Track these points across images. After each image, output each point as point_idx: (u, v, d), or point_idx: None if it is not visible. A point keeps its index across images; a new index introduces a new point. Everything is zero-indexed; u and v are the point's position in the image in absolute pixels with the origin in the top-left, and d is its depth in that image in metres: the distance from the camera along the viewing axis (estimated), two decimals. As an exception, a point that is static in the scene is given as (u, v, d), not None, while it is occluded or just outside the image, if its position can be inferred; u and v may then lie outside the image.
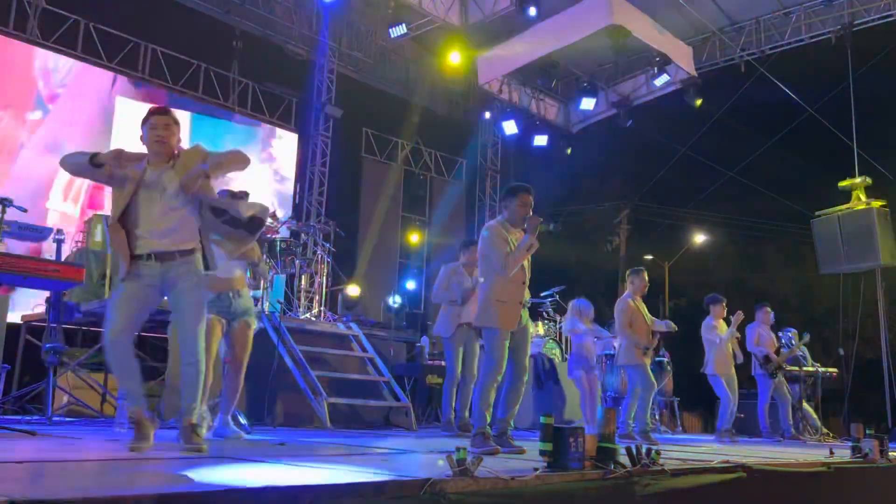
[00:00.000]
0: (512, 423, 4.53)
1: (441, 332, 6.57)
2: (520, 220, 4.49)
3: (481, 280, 4.61)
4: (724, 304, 8.00)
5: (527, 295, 4.61)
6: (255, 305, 6.83)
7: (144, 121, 3.77)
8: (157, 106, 3.94)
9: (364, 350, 7.56)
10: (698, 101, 12.14)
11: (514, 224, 4.52)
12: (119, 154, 3.60)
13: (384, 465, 3.10)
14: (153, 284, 3.61)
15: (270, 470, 2.81)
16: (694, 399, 13.94)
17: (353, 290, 9.79)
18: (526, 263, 4.53)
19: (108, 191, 4.98)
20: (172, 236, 3.62)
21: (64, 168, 3.75)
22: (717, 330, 7.80)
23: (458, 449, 2.50)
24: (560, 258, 17.83)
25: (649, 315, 6.95)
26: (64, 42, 9.95)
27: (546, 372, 8.93)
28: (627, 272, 7.07)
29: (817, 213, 10.56)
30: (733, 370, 7.81)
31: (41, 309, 6.64)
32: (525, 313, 4.57)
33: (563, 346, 9.83)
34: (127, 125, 9.90)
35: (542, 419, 3.00)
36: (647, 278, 6.98)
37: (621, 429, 6.51)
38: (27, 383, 6.41)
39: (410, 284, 13.46)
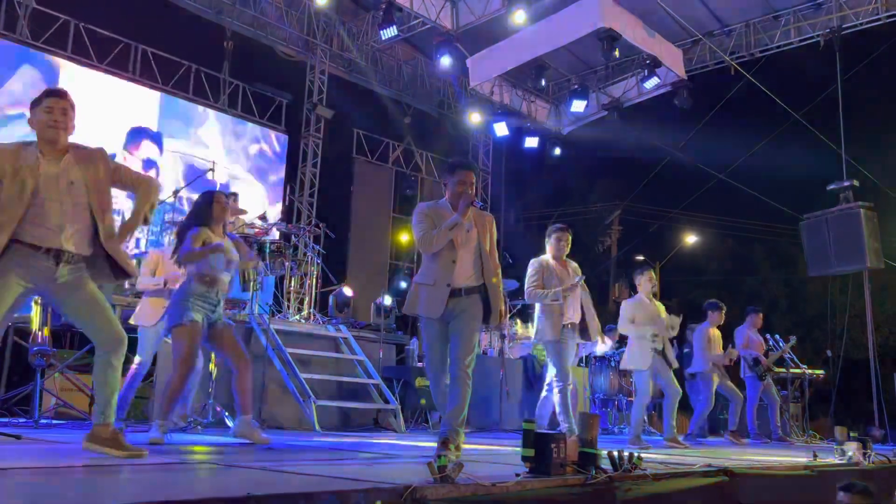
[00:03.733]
0: (460, 419, 3.81)
1: None
2: (456, 199, 4.05)
3: None
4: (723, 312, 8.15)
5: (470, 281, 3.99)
6: (244, 309, 6.86)
7: (36, 102, 3.37)
8: (52, 87, 3.45)
9: (353, 352, 7.57)
10: (689, 103, 12.20)
11: (452, 203, 4.07)
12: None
13: (368, 470, 3.11)
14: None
15: (254, 476, 2.81)
16: (683, 400, 13.92)
17: (347, 290, 9.78)
18: (461, 241, 3.98)
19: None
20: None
21: None
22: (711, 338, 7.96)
23: (439, 456, 2.52)
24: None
25: (665, 314, 6.65)
26: (54, 43, 9.92)
27: (536, 375, 8.93)
28: (634, 273, 6.93)
29: (805, 215, 10.58)
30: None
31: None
32: (467, 299, 3.95)
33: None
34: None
35: (523, 425, 3.02)
36: (650, 275, 6.73)
37: (666, 433, 6.73)
38: (15, 385, 6.39)
39: (401, 286, 13.46)
